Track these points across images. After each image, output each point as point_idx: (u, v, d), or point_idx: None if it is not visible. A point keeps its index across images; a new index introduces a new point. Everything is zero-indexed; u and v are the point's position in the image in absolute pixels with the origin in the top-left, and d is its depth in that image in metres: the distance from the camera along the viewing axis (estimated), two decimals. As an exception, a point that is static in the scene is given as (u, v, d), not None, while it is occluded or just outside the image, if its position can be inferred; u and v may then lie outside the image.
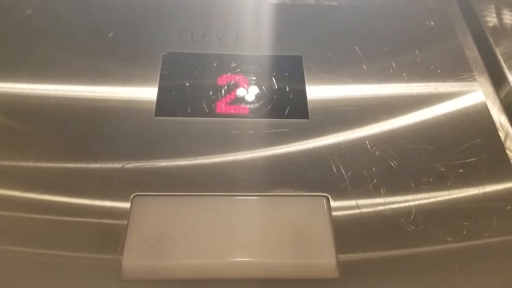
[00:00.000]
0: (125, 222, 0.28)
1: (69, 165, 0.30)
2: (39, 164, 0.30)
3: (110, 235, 0.27)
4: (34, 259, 0.26)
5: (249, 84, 0.36)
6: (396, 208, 0.29)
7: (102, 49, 0.37)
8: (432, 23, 0.41)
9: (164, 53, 0.37)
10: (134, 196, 0.29)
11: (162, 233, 0.27)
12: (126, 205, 0.28)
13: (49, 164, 0.30)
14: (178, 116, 0.33)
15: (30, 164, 0.30)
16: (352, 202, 0.30)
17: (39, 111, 0.33)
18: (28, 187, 0.29)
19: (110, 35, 0.38)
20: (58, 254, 0.27)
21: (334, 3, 0.43)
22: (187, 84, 0.35)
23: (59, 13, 0.40)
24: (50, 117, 0.32)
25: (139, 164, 0.30)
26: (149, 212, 0.28)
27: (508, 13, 0.43)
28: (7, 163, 0.30)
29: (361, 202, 0.30)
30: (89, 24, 0.39)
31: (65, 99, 0.34)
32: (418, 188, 0.30)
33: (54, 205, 0.28)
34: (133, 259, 0.26)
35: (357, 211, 0.29)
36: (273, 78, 0.36)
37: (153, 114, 0.33)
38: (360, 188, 0.30)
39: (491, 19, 0.42)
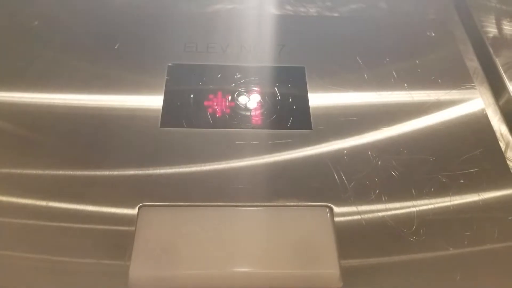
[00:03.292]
0: (132, 228, 0.28)
1: (75, 173, 0.31)
2: (45, 172, 0.30)
3: (117, 243, 0.28)
4: (42, 266, 0.27)
5: (253, 95, 0.36)
6: (399, 218, 0.30)
7: (108, 60, 0.38)
8: (433, 34, 0.42)
9: (169, 64, 0.38)
10: (140, 207, 0.29)
11: (168, 243, 0.28)
12: (132, 212, 0.29)
13: (55, 172, 0.30)
14: (183, 127, 0.34)
15: (37, 172, 0.30)
16: (355, 212, 0.30)
17: (46, 120, 0.33)
18: (35, 195, 0.29)
19: (116, 47, 0.38)
20: (65, 261, 0.27)
21: (336, 14, 0.44)
22: (191, 95, 0.36)
23: (66, 23, 0.40)
24: (57, 125, 0.33)
25: (145, 173, 0.31)
26: (155, 223, 0.29)
27: (508, 23, 0.43)
28: (14, 171, 0.30)
29: (363, 212, 0.30)
30: (96, 35, 0.40)
31: (72, 108, 0.34)
32: (420, 198, 0.31)
33: (60, 213, 0.29)
34: (140, 270, 0.27)
35: (360, 221, 0.30)
36: (276, 88, 0.37)
37: (159, 125, 0.34)
38: (363, 198, 0.31)
39: (491, 30, 0.42)
